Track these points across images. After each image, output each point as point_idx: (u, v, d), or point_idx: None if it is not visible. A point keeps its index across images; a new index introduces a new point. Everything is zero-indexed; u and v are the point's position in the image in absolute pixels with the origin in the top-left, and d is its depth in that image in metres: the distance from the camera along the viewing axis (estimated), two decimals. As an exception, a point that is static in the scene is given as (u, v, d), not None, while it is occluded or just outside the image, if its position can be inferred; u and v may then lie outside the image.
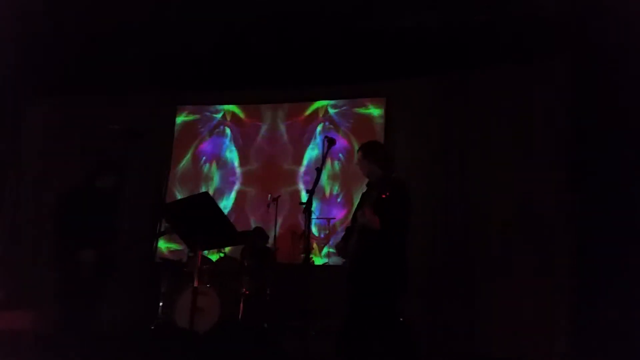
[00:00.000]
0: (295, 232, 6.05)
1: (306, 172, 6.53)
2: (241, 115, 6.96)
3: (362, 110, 6.51)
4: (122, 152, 4.49)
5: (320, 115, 6.67)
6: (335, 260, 5.74)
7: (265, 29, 5.44)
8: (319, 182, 3.57)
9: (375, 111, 6.43)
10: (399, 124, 6.25)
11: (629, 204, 4.27)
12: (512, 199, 5.38)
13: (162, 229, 4.69)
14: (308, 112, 6.73)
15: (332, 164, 6.46)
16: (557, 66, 5.29)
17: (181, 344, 4.40)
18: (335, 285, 4.19)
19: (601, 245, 4.37)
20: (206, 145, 6.98)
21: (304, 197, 5.96)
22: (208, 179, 6.87)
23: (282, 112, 6.83)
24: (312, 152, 6.60)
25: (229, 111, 7.00)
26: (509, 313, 5.09)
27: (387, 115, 6.33)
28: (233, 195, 6.75)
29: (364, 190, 3.65)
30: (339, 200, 6.36)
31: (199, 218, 3.19)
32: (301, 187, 6.52)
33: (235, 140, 6.90)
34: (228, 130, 6.94)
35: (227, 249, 5.73)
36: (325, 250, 6.16)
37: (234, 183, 6.78)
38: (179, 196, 6.62)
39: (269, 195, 5.96)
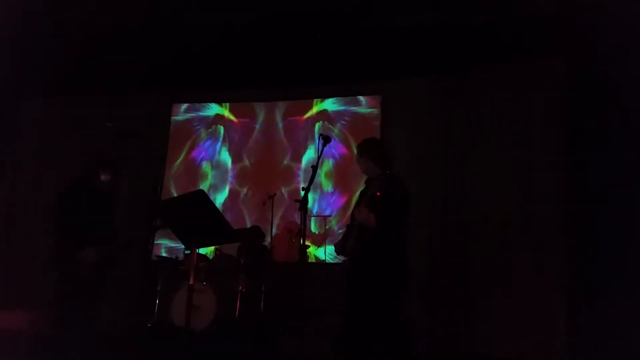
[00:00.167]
0: (292, 230, 6.04)
1: (304, 171, 6.50)
2: (237, 114, 6.93)
3: (361, 110, 6.50)
4: (118, 151, 4.48)
5: (319, 113, 6.65)
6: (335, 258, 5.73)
7: (263, 28, 5.43)
8: (315, 180, 3.56)
9: (374, 110, 6.42)
10: (398, 123, 6.23)
11: (628, 204, 4.27)
12: (512, 199, 5.37)
13: (157, 224, 4.69)
14: (307, 111, 6.72)
15: (329, 162, 6.44)
16: (556, 66, 5.28)
17: (178, 342, 4.39)
18: (334, 283, 4.18)
19: (600, 245, 4.36)
20: (202, 144, 6.95)
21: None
22: (203, 177, 6.86)
23: (279, 110, 6.80)
24: (309, 151, 6.58)
25: (225, 110, 6.98)
26: (508, 313, 5.07)
27: (386, 114, 6.32)
28: (226, 193, 6.74)
29: (362, 188, 3.64)
30: (332, 199, 6.35)
31: (195, 216, 3.16)
32: (299, 185, 6.49)
33: (231, 139, 6.87)
34: (222, 129, 6.90)
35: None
36: (323, 248, 6.15)
37: (228, 182, 6.77)
38: (174, 194, 6.59)
39: (268, 193, 5.96)
